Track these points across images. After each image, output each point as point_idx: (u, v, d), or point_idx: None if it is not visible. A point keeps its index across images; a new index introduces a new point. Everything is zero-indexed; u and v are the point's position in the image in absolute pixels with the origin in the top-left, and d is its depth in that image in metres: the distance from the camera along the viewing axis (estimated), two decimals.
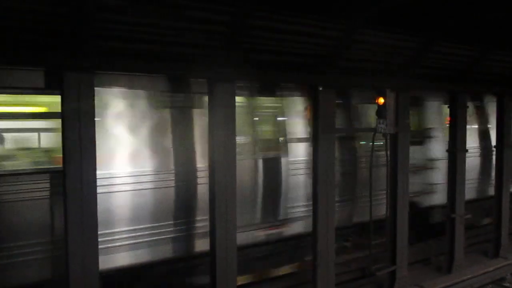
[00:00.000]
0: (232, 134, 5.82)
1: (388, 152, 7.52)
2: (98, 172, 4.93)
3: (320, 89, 6.53)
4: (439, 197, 9.81)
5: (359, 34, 6.33)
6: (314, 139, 6.68)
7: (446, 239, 8.85)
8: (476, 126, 11.06)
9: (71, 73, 4.71)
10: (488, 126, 11.17)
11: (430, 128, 9.96)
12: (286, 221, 7.80)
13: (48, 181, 5.63)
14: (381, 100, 7.07)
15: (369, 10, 5.93)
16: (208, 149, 5.83)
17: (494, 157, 10.30)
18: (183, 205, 6.61)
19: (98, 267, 4.93)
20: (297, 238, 7.92)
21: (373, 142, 7.33)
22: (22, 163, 5.94)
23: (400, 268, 7.81)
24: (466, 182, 8.94)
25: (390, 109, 7.06)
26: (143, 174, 6.26)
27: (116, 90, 6.10)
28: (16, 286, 5.49)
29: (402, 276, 7.82)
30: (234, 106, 5.81)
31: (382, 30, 6.54)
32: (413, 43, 7.13)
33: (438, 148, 9.86)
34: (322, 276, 6.80)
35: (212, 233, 5.84)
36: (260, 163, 7.46)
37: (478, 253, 9.93)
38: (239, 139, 6.61)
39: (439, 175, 9.82)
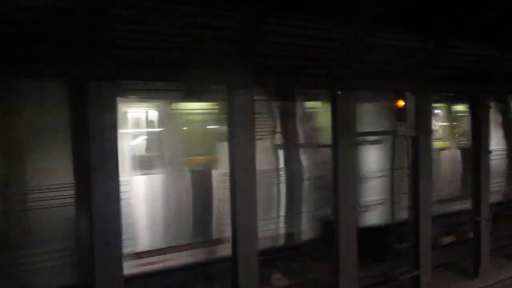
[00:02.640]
0: (252, 140, 5.87)
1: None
2: None
3: (339, 93, 6.53)
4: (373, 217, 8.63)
5: (376, 37, 6.32)
6: (334, 144, 6.68)
7: (472, 242, 8.69)
8: None
9: (94, 84, 4.83)
10: None
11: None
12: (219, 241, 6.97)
13: None
14: (400, 103, 7.04)
15: (383, 11, 5.91)
16: (228, 156, 5.90)
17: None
18: None
19: (122, 272, 5.03)
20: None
21: (393, 146, 7.28)
22: None
23: (424, 273, 7.70)
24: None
25: (410, 111, 7.01)
26: None
27: None
28: None
29: (426, 281, 7.71)
30: (253, 112, 5.86)
31: (399, 32, 6.50)
32: (431, 44, 7.06)
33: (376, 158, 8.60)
34: (344, 280, 6.77)
35: (233, 240, 5.89)
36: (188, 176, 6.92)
37: (503, 257, 9.69)
38: None
39: (374, 192, 8.56)
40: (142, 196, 6.52)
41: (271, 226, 7.48)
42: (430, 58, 7.22)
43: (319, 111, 7.97)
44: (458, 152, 9.92)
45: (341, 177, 6.66)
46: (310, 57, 6.20)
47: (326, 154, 7.20)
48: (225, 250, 6.50)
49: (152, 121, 7.11)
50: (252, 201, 5.89)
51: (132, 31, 4.87)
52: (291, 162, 7.79)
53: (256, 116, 6.05)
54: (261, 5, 5.18)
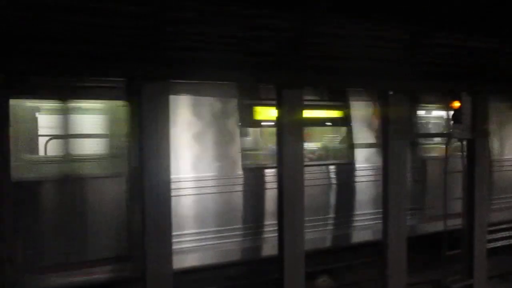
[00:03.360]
0: (301, 140, 5.84)
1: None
2: None
3: (391, 93, 6.38)
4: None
5: (431, 37, 6.12)
6: (384, 145, 6.52)
7: None
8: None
9: (148, 83, 4.99)
10: None
11: None
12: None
13: None
14: (456, 104, 6.78)
15: (434, 12, 5.72)
16: (276, 156, 5.89)
17: None
18: None
19: (172, 266, 5.13)
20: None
21: (447, 148, 7.01)
22: None
23: (478, 282, 7.36)
24: None
25: (466, 113, 6.72)
26: None
27: None
28: None
29: None
30: (302, 112, 5.83)
31: (453, 32, 6.26)
32: (489, 44, 6.75)
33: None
34: (393, 287, 6.58)
35: (280, 239, 5.87)
36: None
37: None
38: None
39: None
40: None
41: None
42: (490, 58, 6.90)
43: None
44: None
45: (391, 182, 6.49)
46: (362, 58, 6.10)
47: None
48: None
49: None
50: (300, 203, 5.85)
51: (187, 33, 4.99)
52: None
53: None
54: (315, 7, 5.15)
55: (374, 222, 7.35)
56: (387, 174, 6.51)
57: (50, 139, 6.59)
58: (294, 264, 5.83)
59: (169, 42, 4.93)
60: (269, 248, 6.53)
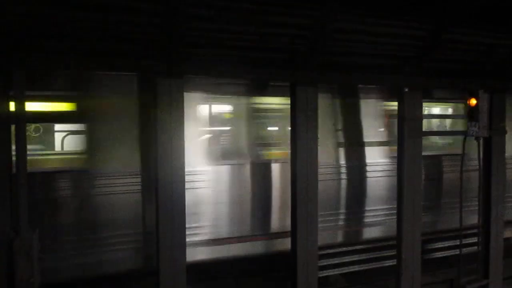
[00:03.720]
0: (315, 138, 5.85)
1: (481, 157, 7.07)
2: None
3: (406, 90, 6.34)
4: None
5: (449, 33, 6.05)
6: (400, 143, 6.48)
7: None
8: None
9: (164, 79, 5.06)
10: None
11: None
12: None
13: None
14: (473, 102, 6.69)
15: (459, 8, 5.66)
16: (290, 153, 5.91)
17: None
18: None
19: (185, 259, 5.21)
20: None
21: (463, 146, 6.93)
22: None
23: (494, 283, 7.26)
24: None
25: (483, 111, 6.64)
26: None
27: None
28: None
29: None
30: (317, 109, 5.84)
31: (473, 28, 6.19)
32: (508, 41, 6.64)
33: None
34: (406, 286, 6.55)
35: (293, 235, 5.90)
36: None
37: None
38: None
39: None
40: None
41: None
42: (509, 55, 6.79)
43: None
44: None
45: (406, 178, 6.45)
46: (376, 54, 6.08)
47: None
48: None
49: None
50: (314, 198, 5.87)
51: (204, 29, 5.05)
52: None
53: None
54: (329, 3, 5.15)
55: None
56: (402, 171, 6.47)
57: None
58: (308, 260, 5.86)
59: (184, 38, 5.00)
60: None
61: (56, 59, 4.71)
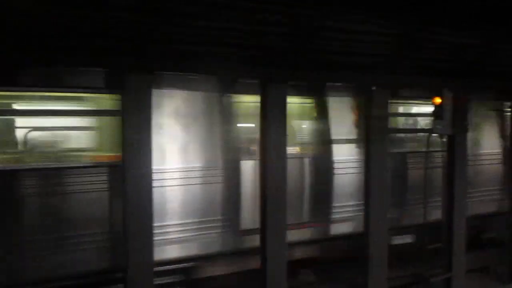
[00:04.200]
0: (283, 135, 5.87)
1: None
2: None
3: (373, 89, 6.43)
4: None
5: (414, 33, 6.18)
6: (367, 139, 6.59)
7: (507, 246, 8.42)
8: None
9: (132, 75, 4.95)
10: None
11: None
12: None
13: None
14: (437, 100, 6.87)
15: (427, 9, 5.78)
16: (259, 150, 5.91)
17: None
18: None
19: (153, 259, 5.13)
20: None
21: (428, 144, 7.11)
22: None
23: (457, 276, 7.51)
24: None
25: (447, 109, 6.83)
26: None
27: None
28: None
29: (458, 284, 7.52)
30: (285, 106, 5.86)
31: (439, 28, 6.34)
32: (473, 41, 6.85)
33: None
34: (373, 281, 6.68)
35: (262, 232, 5.91)
36: None
37: None
38: None
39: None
40: None
41: None
42: (473, 56, 7.01)
43: None
44: None
45: (373, 176, 6.57)
46: (346, 52, 6.14)
47: None
48: None
49: None
50: (282, 195, 5.89)
51: (178, 25, 4.96)
52: None
53: None
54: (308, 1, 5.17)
55: None
56: (369, 168, 6.58)
57: None
58: (276, 257, 5.88)
59: (153, 34, 4.89)
60: None
61: (20, 56, 4.54)
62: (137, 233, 5.02)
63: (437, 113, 6.87)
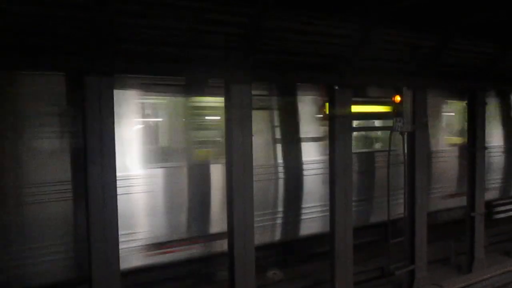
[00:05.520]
0: (249, 134, 5.87)
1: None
2: None
3: (336, 88, 6.54)
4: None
5: (375, 33, 6.32)
6: (331, 137, 6.69)
7: (466, 238, 8.76)
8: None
9: (92, 77, 4.81)
10: None
11: None
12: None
13: None
14: (397, 98, 7.06)
15: (386, 9, 5.92)
16: (225, 150, 5.90)
17: None
18: None
19: (119, 265, 5.02)
20: None
21: (390, 140, 7.29)
22: None
23: (419, 268, 7.76)
24: None
25: (407, 107, 7.03)
26: None
27: None
28: None
29: (421, 276, 7.77)
30: (251, 106, 5.86)
31: (398, 29, 6.52)
32: (430, 41, 7.08)
33: None
34: (340, 276, 6.81)
35: (230, 234, 5.90)
36: None
37: (499, 252, 9.80)
38: None
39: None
40: None
41: None
42: (431, 55, 7.23)
43: None
44: None
45: (338, 173, 6.68)
46: (309, 53, 6.20)
47: None
48: None
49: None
50: (249, 195, 5.90)
51: (135, 25, 4.87)
52: None
53: None
54: (266, 2, 5.17)
55: None
56: (333, 166, 6.69)
57: None
58: (244, 258, 5.89)
59: (113, 34, 4.78)
60: None
61: None
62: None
63: (397, 111, 7.05)
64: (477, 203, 8.63)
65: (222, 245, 6.47)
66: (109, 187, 4.93)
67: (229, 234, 5.90)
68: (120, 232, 5.03)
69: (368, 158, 8.43)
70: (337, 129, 6.59)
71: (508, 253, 9.71)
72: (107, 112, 4.88)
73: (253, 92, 5.90)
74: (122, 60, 4.97)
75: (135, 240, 6.22)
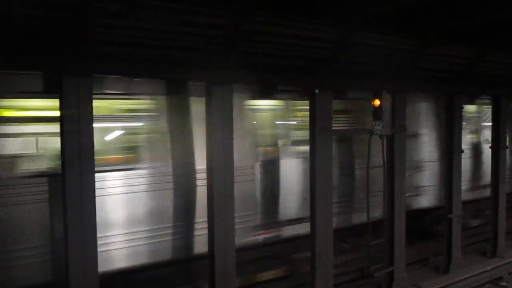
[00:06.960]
0: (230, 136, 5.87)
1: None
2: None
3: (317, 91, 6.58)
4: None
5: (356, 37, 6.39)
6: (312, 140, 6.73)
7: (444, 239, 8.91)
8: None
9: (70, 77, 4.74)
10: None
11: None
12: None
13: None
14: (377, 102, 7.14)
15: (366, 13, 6.00)
16: (206, 152, 5.87)
17: None
18: None
19: (97, 270, 4.94)
20: None
21: (369, 144, 7.37)
22: None
23: (398, 269, 7.85)
24: None
25: (386, 110, 7.12)
26: None
27: None
28: None
29: (400, 277, 7.87)
30: (232, 109, 5.86)
31: (379, 33, 6.60)
32: (409, 45, 7.19)
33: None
34: (320, 277, 6.83)
35: (210, 236, 5.88)
36: None
37: (475, 253, 10.00)
38: None
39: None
40: None
41: None
42: (409, 59, 7.35)
43: None
44: None
45: (318, 174, 6.72)
46: (291, 55, 6.23)
47: None
48: None
49: None
50: (229, 196, 5.89)
51: (115, 26, 4.81)
52: None
53: None
54: (247, 4, 5.17)
55: None
56: (314, 168, 6.73)
57: None
58: (225, 262, 5.87)
59: (92, 35, 4.72)
60: None
61: None
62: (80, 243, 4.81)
63: (377, 114, 7.14)
64: (454, 205, 8.79)
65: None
66: (88, 191, 4.85)
67: (210, 236, 5.88)
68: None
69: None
70: (317, 132, 6.63)
71: (484, 253, 9.91)
72: (85, 113, 4.80)
73: None
74: (101, 60, 4.91)
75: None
